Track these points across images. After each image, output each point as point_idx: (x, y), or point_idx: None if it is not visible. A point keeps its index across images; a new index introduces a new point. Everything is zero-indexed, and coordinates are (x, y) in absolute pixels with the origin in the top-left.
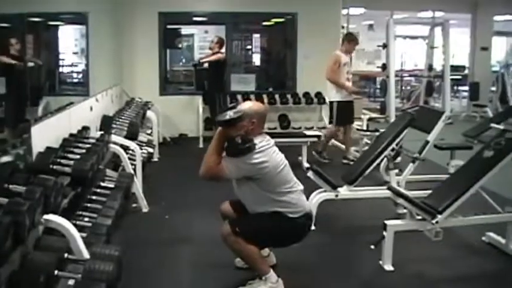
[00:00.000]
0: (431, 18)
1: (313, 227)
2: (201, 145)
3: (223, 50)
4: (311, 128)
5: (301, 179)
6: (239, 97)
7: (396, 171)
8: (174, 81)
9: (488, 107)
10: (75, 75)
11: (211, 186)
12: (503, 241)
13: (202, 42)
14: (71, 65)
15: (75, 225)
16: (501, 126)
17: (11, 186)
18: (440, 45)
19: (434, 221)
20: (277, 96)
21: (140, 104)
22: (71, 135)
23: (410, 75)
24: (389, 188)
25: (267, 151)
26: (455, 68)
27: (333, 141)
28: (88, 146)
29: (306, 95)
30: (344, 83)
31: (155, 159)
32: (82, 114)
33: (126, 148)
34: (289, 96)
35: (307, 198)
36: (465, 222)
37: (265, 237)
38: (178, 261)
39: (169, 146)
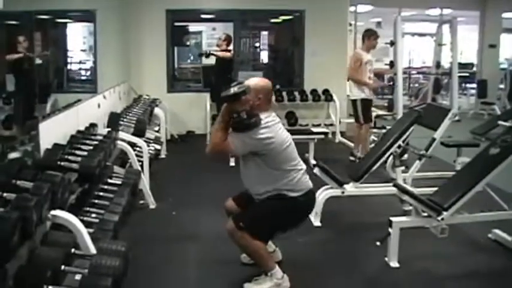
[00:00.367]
0: (440, 16)
1: (319, 223)
2: (208, 142)
3: (230, 47)
4: (318, 125)
5: (308, 175)
6: None
7: (402, 168)
8: (181, 79)
9: (496, 105)
10: (83, 72)
11: (218, 183)
12: (509, 238)
13: (210, 39)
14: (79, 63)
15: (82, 221)
16: (508, 124)
17: (18, 182)
18: (448, 43)
19: (439, 218)
20: (284, 94)
21: (148, 101)
22: (79, 132)
23: (418, 73)
24: (395, 185)
25: (273, 127)
26: (463, 66)
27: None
28: (95, 142)
29: (313, 92)
30: (366, 80)
31: (163, 156)
32: (90, 111)
33: (133, 145)
34: (296, 93)
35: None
36: (471, 219)
37: (269, 223)
38: (185, 257)
39: (177, 143)
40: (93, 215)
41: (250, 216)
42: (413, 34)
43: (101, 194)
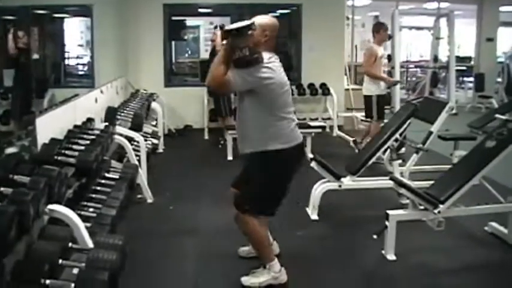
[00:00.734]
0: (437, 9)
1: (316, 217)
2: (206, 136)
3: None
4: (316, 119)
5: (305, 169)
6: None
7: (399, 161)
8: (179, 73)
9: (493, 98)
10: (80, 67)
11: (215, 177)
12: (505, 231)
13: (208, 33)
14: (76, 57)
15: (79, 215)
16: (505, 117)
17: (15, 176)
18: (445, 36)
19: (436, 211)
20: None
21: (145, 96)
22: (76, 126)
23: (415, 66)
24: (392, 178)
25: (275, 68)
26: (460, 59)
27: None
28: (93, 137)
29: (311, 86)
30: (383, 76)
31: (160, 150)
32: (87, 106)
33: (130, 139)
34: (293, 87)
35: (311, 189)
36: (467, 212)
37: (268, 191)
38: (183, 251)
39: (174, 138)
40: (91, 209)
41: (247, 197)
42: (410, 28)
43: (98, 188)
